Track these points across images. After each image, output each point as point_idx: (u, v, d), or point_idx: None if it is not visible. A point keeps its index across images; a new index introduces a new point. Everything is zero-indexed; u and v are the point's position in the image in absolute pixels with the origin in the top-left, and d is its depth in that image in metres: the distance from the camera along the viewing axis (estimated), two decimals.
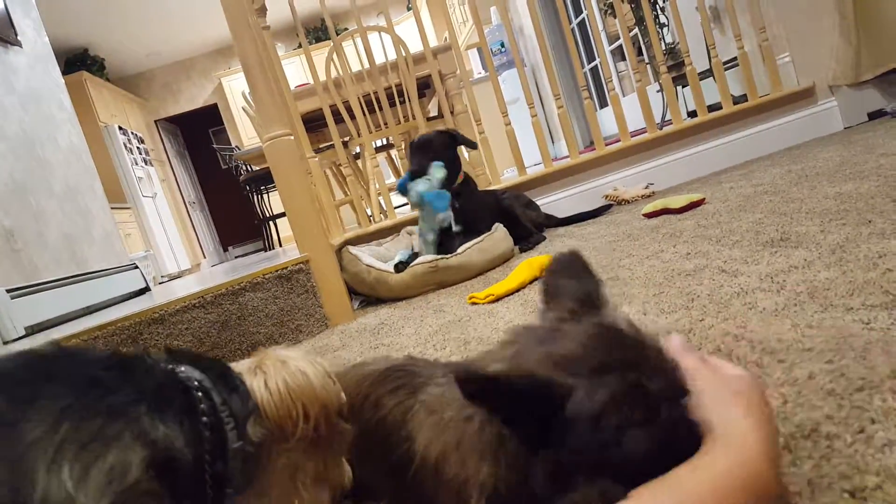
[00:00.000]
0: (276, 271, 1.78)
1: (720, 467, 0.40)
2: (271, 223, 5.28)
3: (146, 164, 7.09)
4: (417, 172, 2.09)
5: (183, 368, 0.49)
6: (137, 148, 6.95)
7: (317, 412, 0.51)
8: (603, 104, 5.25)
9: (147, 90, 8.14)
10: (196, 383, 0.47)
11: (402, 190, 2.12)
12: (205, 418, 0.46)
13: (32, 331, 2.41)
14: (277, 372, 0.52)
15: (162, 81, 8.18)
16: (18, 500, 0.35)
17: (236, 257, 8.81)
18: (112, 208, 4.01)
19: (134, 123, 7.38)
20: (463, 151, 2.73)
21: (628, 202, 2.43)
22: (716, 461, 0.40)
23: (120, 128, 6.58)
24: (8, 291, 2.38)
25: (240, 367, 0.53)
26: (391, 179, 3.95)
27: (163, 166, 7.96)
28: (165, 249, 6.74)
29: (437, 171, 2.07)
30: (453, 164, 2.17)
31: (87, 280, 3.00)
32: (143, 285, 3.57)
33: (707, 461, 0.40)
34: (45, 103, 3.44)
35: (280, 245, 5.48)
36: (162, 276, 6.13)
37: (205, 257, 8.29)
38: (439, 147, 2.17)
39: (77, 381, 0.41)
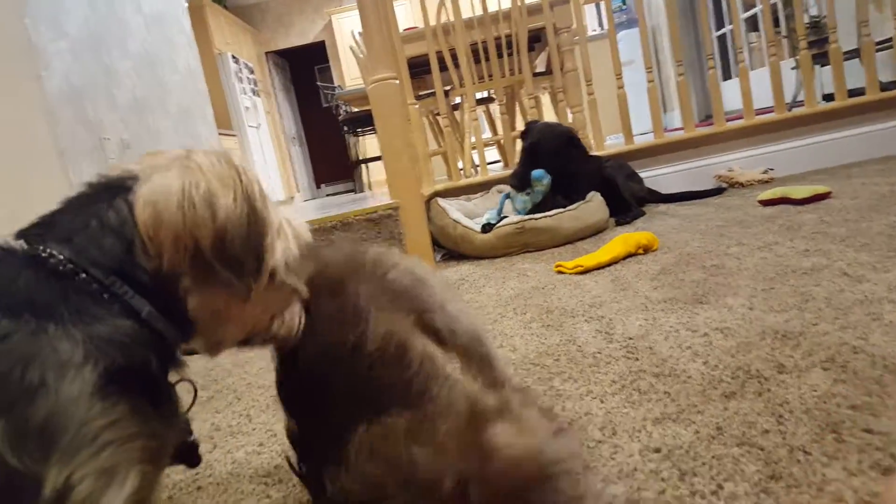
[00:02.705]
0: (367, 214, 1.79)
1: None
2: (363, 166, 5.35)
3: (254, 94, 7.33)
4: (518, 186, 2.06)
5: (47, 251, 0.42)
6: (248, 78, 7.18)
7: (168, 240, 0.43)
8: (726, 76, 4.88)
9: (261, 21, 8.35)
10: (70, 266, 0.41)
11: (503, 203, 2.09)
12: (115, 306, 0.42)
13: None
14: (157, 182, 0.45)
15: (276, 13, 8.36)
16: None
17: (327, 195, 9.07)
18: (219, 134, 4.18)
19: (246, 53, 7.61)
20: (567, 113, 2.62)
21: (743, 186, 2.27)
22: None
23: (233, 56, 6.81)
24: None
25: (151, 163, 0.47)
26: (487, 134, 3.88)
27: (269, 98, 8.21)
28: (264, 179, 6.99)
29: (539, 184, 2.03)
30: (569, 165, 2.10)
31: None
32: None
33: None
34: (167, 26, 3.59)
35: (370, 188, 5.56)
36: None
37: (298, 192, 8.57)
38: (553, 152, 2.09)
39: None
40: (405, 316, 0.54)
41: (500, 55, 2.74)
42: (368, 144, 5.34)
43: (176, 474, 0.76)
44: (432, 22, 2.59)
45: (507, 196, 2.13)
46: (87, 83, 2.62)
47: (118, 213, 0.44)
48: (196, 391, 0.52)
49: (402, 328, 0.52)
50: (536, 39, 3.14)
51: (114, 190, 0.45)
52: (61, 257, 0.42)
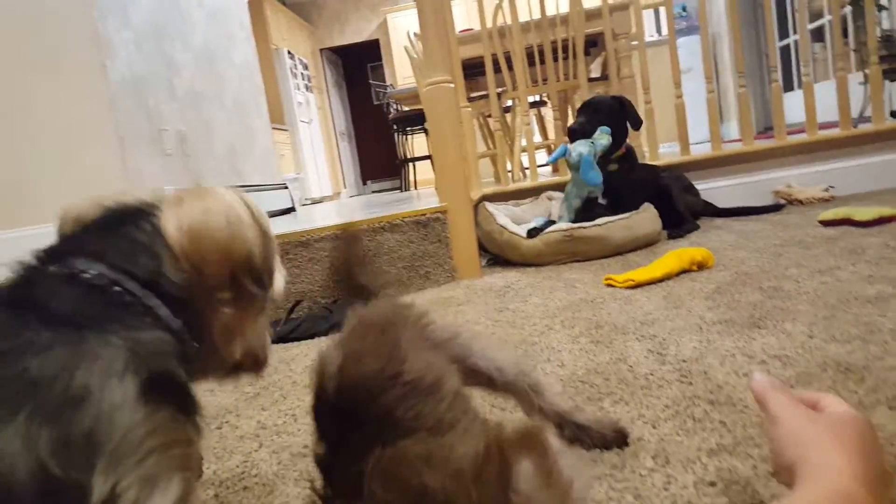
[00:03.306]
0: (414, 217, 1.79)
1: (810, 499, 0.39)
2: (410, 165, 5.40)
3: (307, 90, 7.46)
4: (580, 132, 2.01)
5: (80, 266, 0.44)
6: (302, 74, 7.31)
7: (217, 260, 0.46)
8: (787, 88, 4.71)
9: (318, 18, 8.48)
10: (106, 280, 0.43)
11: (563, 152, 2.04)
12: (148, 318, 0.43)
13: None
14: (189, 208, 0.47)
15: (333, 10, 8.47)
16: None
17: (373, 192, 9.15)
18: (272, 128, 4.27)
19: (301, 49, 7.75)
20: None
21: (802, 203, 2.18)
22: (805, 496, 0.39)
23: (289, 52, 6.94)
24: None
25: (166, 196, 0.50)
26: (538, 138, 3.84)
27: (321, 94, 8.34)
28: (312, 174, 7.14)
29: (602, 138, 1.98)
30: (619, 133, 2.07)
31: (244, 192, 3.24)
32: (290, 205, 3.81)
33: (796, 497, 0.40)
34: (227, 20, 3.68)
35: (415, 187, 5.59)
36: (306, 199, 6.51)
37: (345, 187, 8.68)
38: (609, 112, 2.08)
39: None
40: (446, 361, 0.56)
41: (555, 59, 2.72)
42: (416, 144, 5.37)
43: (223, 472, 0.78)
44: (489, 24, 2.58)
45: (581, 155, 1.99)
46: (148, 73, 2.70)
47: (146, 232, 0.47)
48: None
49: (439, 366, 0.53)
50: (592, 44, 3.10)
51: (136, 214, 0.49)
52: (95, 272, 0.43)
